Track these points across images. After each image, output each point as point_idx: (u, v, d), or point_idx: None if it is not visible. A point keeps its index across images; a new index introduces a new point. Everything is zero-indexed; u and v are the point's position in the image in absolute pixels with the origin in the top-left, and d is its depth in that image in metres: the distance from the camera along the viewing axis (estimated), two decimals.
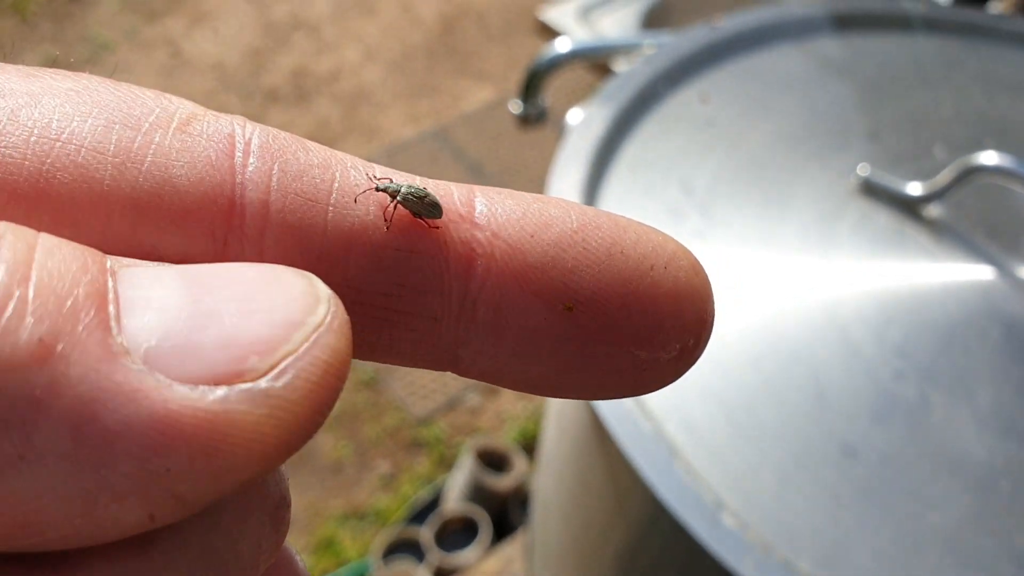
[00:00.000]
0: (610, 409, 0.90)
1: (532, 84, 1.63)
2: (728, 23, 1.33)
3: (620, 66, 1.80)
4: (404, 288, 0.29)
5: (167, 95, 0.29)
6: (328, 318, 0.24)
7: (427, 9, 4.22)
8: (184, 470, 0.22)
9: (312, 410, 0.24)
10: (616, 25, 3.10)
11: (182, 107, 0.28)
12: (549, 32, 3.85)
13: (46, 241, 0.23)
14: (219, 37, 4.03)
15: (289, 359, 0.23)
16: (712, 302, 0.31)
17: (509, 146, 3.43)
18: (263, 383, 0.23)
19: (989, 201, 1.11)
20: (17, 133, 0.26)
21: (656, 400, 0.92)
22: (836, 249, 1.08)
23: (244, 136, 0.28)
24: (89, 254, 0.23)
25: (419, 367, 0.30)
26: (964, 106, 1.26)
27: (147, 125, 0.27)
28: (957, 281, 1.04)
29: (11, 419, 0.20)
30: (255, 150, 0.28)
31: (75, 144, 0.26)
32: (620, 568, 1.02)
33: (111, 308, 0.22)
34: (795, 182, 1.14)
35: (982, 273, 1.05)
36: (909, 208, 1.11)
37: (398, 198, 0.29)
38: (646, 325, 0.30)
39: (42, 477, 0.21)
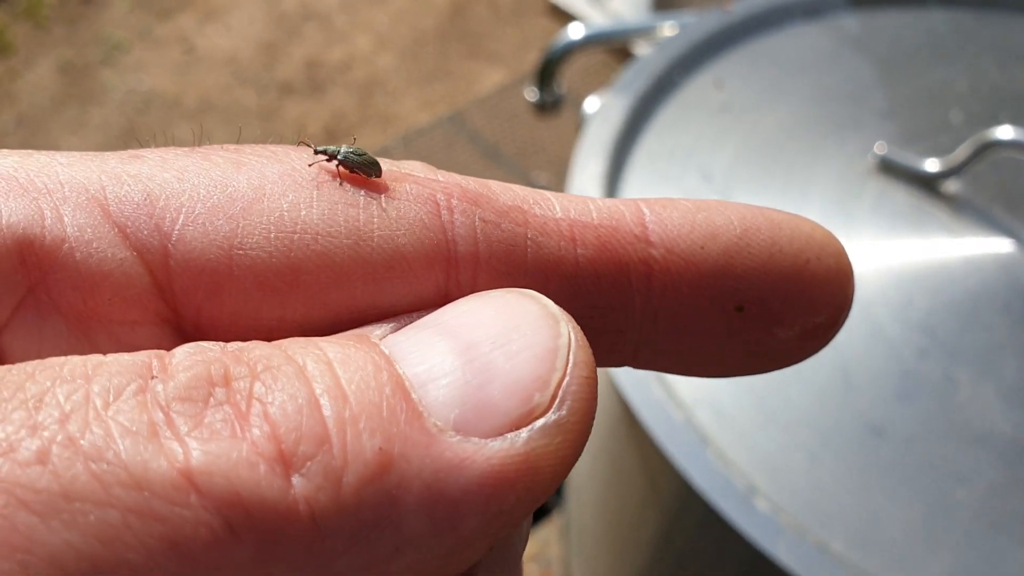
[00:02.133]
0: (641, 399, 0.92)
1: (547, 71, 1.64)
2: (739, 6, 1.34)
3: (639, 48, 1.81)
4: (596, 309, 0.32)
5: None
6: (572, 334, 0.28)
7: None
8: (512, 505, 0.25)
9: (588, 424, 0.27)
10: (627, 5, 3.09)
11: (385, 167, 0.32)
12: (560, 13, 3.85)
13: (334, 351, 0.26)
14: (231, 31, 4.04)
15: (563, 386, 0.27)
16: (853, 279, 0.34)
17: (525, 127, 3.43)
18: (552, 416, 0.26)
19: (1007, 175, 1.12)
20: (257, 232, 0.29)
21: (686, 389, 0.94)
22: (856, 229, 1.09)
23: (444, 194, 0.31)
24: (372, 351, 0.26)
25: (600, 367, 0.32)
26: (979, 80, 1.26)
27: (363, 198, 0.30)
28: (977, 255, 1.05)
29: (381, 521, 0.24)
30: (456, 207, 0.31)
31: (310, 234, 0.29)
32: (655, 552, 1.04)
33: (414, 395, 0.26)
34: (813, 164, 1.16)
35: (1002, 247, 1.06)
36: (927, 185, 1.12)
37: (339, 157, 0.33)
38: (804, 312, 0.33)
39: (414, 554, 0.25)
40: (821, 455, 0.90)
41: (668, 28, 1.48)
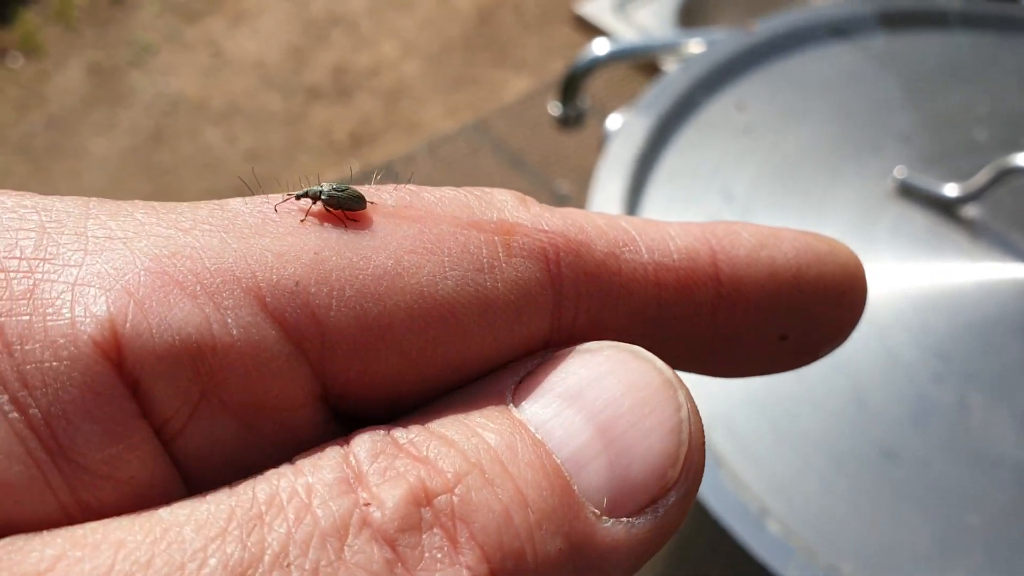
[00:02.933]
0: None
1: (570, 86, 1.66)
2: (762, 27, 1.35)
3: (666, 64, 1.82)
4: (662, 334, 0.35)
5: (477, 202, 0.33)
6: (687, 404, 0.31)
7: (463, 0, 4.25)
8: (639, 566, 0.29)
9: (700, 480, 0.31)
10: (652, 17, 3.10)
11: (488, 213, 0.33)
12: (585, 24, 3.86)
13: (494, 439, 0.28)
14: (259, 36, 4.08)
15: (687, 458, 0.30)
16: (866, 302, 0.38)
17: (548, 136, 3.44)
18: (682, 488, 0.30)
19: None
20: (403, 311, 0.30)
21: (700, 410, 0.95)
22: (874, 252, 1.10)
23: (552, 247, 0.33)
24: (523, 435, 0.29)
25: None
26: (1000, 104, 1.27)
27: (486, 261, 0.32)
28: (995, 280, 1.06)
29: None
30: (563, 260, 0.33)
31: (448, 306, 0.31)
32: (666, 572, 1.06)
33: (574, 487, 0.28)
34: (833, 186, 1.17)
35: (1020, 272, 1.06)
36: (946, 209, 1.13)
37: (323, 197, 0.34)
38: (833, 336, 0.37)
39: None
40: (834, 478, 0.91)
41: (693, 45, 1.49)
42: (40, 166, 3.49)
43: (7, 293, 0.26)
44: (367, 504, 0.25)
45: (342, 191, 0.34)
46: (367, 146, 3.58)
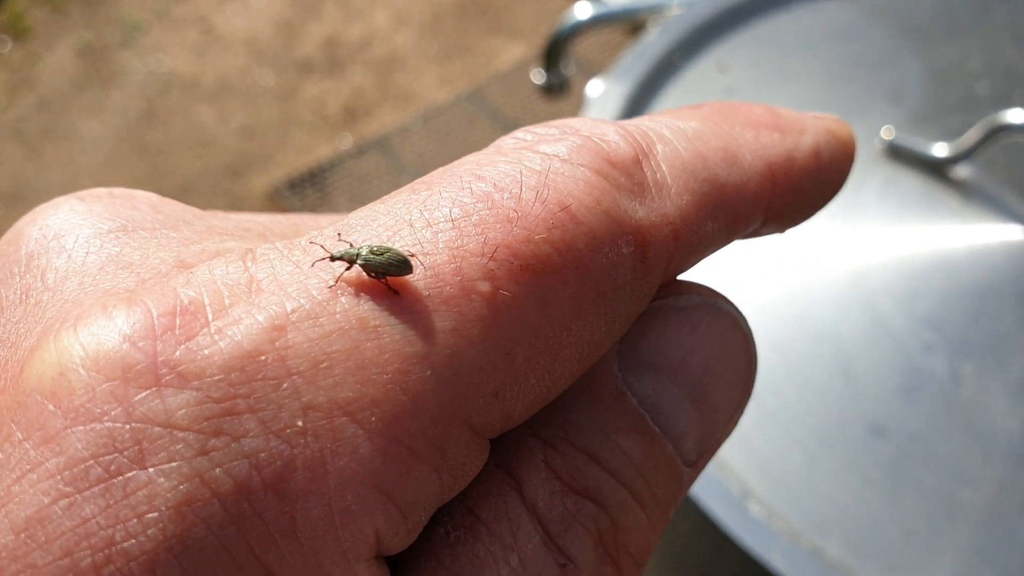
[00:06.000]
0: None
1: (554, 53, 1.61)
2: None
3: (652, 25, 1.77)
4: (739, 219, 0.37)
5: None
6: (753, 346, 0.36)
7: None
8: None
9: None
10: None
11: (627, 220, 0.33)
12: None
13: (635, 453, 0.33)
14: (250, 11, 4.02)
15: (743, 406, 0.36)
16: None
17: (544, 103, 3.39)
18: (734, 430, 0.36)
19: (1018, 159, 1.08)
20: (566, 381, 0.32)
21: None
22: (862, 215, 1.06)
23: (675, 245, 0.34)
24: (652, 438, 0.33)
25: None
26: (993, 58, 1.22)
27: (628, 289, 0.33)
28: (987, 244, 1.02)
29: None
30: (678, 251, 0.35)
31: (601, 348, 0.33)
32: (653, 559, 1.02)
33: (678, 461, 0.33)
34: None
35: (1013, 233, 1.02)
36: (936, 170, 1.08)
37: (358, 262, 0.29)
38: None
39: None
40: (819, 455, 0.87)
41: (677, 7, 1.44)
42: (33, 149, 3.46)
43: None
44: (564, 565, 0.30)
45: (381, 254, 0.30)
46: (361, 119, 3.54)
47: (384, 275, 0.29)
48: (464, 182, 0.30)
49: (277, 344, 0.26)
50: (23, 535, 0.24)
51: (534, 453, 0.31)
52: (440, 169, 0.31)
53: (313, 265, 0.29)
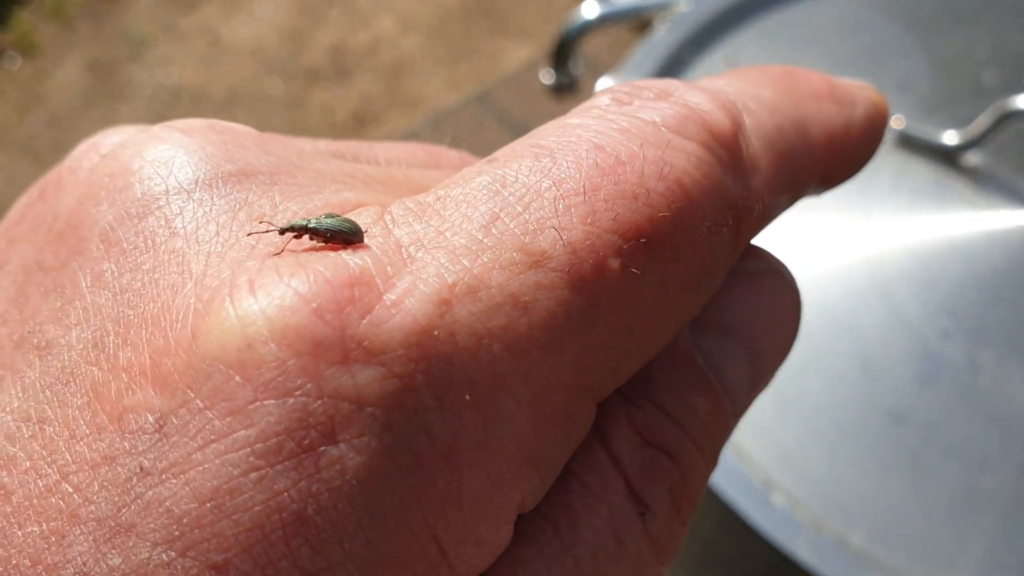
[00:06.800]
0: None
1: (562, 52, 1.62)
2: None
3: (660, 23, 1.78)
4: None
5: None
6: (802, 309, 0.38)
7: None
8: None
9: None
10: None
11: (726, 200, 0.34)
12: None
13: (704, 410, 0.34)
14: (255, 20, 4.04)
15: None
16: None
17: (552, 103, 3.40)
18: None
19: None
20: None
21: None
22: (876, 205, 1.06)
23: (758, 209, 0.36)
24: (714, 397, 0.35)
25: None
26: (1002, 45, 1.22)
27: (723, 261, 0.35)
28: (1001, 230, 1.02)
29: None
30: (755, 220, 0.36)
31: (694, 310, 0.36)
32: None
33: (728, 407, 0.35)
34: None
35: None
36: (947, 158, 1.08)
37: (311, 226, 0.30)
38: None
39: None
40: (840, 445, 0.88)
41: (684, 4, 1.44)
42: (45, 167, 3.46)
43: None
44: (642, 514, 0.31)
45: (332, 218, 0.30)
46: (370, 125, 3.55)
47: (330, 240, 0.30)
48: (587, 154, 0.30)
49: (446, 319, 0.26)
50: (209, 504, 0.24)
51: (618, 409, 0.32)
52: (542, 131, 0.32)
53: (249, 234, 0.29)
